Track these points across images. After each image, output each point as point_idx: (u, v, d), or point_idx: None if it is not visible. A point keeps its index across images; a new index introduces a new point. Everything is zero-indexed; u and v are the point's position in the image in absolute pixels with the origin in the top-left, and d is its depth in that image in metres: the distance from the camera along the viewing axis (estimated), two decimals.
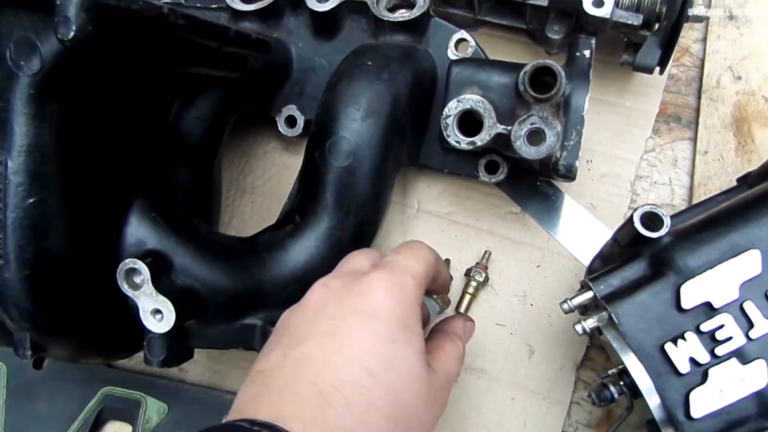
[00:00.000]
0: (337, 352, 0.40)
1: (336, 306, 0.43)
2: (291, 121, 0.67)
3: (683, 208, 0.63)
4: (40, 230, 0.44)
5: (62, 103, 0.42)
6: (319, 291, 0.45)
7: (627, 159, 0.65)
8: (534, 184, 0.66)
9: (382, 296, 0.42)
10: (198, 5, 0.68)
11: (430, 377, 0.43)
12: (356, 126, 0.54)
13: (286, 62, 0.66)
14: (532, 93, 0.51)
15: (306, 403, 0.38)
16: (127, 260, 0.48)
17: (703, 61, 0.68)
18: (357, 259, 0.49)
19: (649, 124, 0.66)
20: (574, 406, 0.59)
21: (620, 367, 0.49)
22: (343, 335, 0.41)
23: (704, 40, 0.68)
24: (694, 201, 0.63)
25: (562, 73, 0.51)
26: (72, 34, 0.36)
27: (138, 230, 0.51)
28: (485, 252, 0.63)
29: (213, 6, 0.68)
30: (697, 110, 0.67)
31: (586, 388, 0.60)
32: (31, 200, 0.43)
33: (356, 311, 0.42)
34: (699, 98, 0.67)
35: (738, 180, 0.60)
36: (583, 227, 0.64)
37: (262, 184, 0.71)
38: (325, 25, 0.65)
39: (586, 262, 0.62)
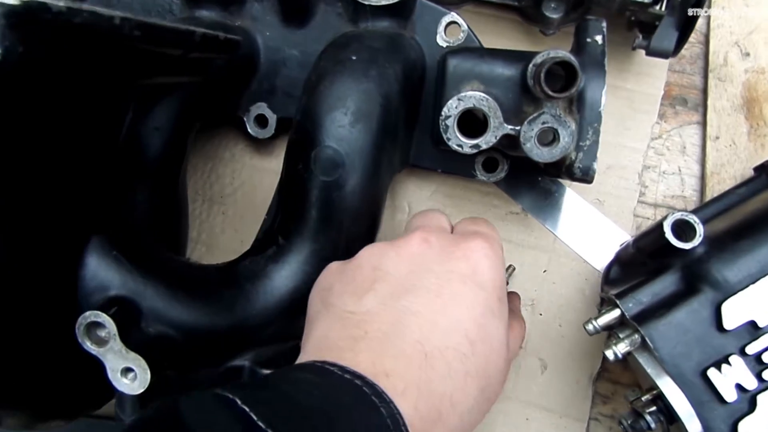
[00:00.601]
0: (443, 315, 0.39)
1: (441, 266, 0.41)
2: (261, 121, 0.60)
3: (695, 199, 0.59)
4: None
5: None
6: (419, 245, 0.43)
7: (633, 148, 0.60)
8: (534, 180, 0.60)
9: (484, 265, 0.42)
10: None
11: (506, 353, 0.42)
12: (344, 133, 0.47)
13: (253, 55, 0.58)
14: (546, 89, 0.45)
15: (411, 363, 0.36)
16: (87, 313, 0.40)
17: (707, 36, 0.63)
18: (439, 217, 0.48)
19: (654, 108, 0.61)
20: (592, 423, 0.55)
21: (654, 392, 0.45)
22: (448, 298, 0.40)
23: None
24: (707, 191, 0.58)
25: (578, 66, 0.44)
26: None
27: (98, 273, 0.43)
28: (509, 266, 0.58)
29: None
30: (704, 91, 0.62)
31: (604, 403, 0.55)
32: None
33: (462, 276, 0.41)
34: (706, 78, 0.62)
35: (755, 169, 0.56)
36: (590, 225, 0.59)
37: (233, 192, 0.63)
38: (295, 10, 0.57)
39: (596, 264, 0.58)
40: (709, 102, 0.61)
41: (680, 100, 0.62)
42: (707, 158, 0.59)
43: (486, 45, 0.56)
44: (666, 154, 0.60)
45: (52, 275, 0.41)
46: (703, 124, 0.61)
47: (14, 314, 0.38)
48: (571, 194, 0.59)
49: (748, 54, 0.62)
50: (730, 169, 0.58)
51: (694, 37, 0.63)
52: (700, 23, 0.63)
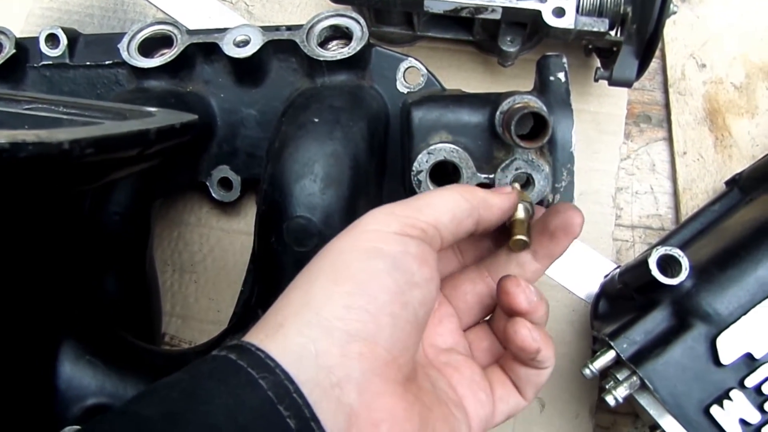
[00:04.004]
0: None
1: None
2: (225, 184, 0.58)
3: (670, 216, 0.59)
4: None
5: None
6: None
7: (604, 171, 0.60)
8: None
9: None
10: (88, 63, 0.57)
11: None
12: (316, 201, 0.46)
13: (209, 119, 0.56)
14: (516, 140, 0.44)
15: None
16: (67, 429, 0.38)
17: (663, 51, 0.63)
18: None
19: (619, 128, 0.61)
20: None
21: (658, 431, 0.44)
22: None
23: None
24: (682, 207, 0.58)
25: (548, 115, 0.44)
26: None
27: (72, 383, 0.41)
28: None
29: (107, 62, 0.56)
30: (666, 106, 0.62)
31: None
32: None
33: None
34: (666, 93, 0.62)
35: (727, 183, 0.56)
36: (571, 255, 0.58)
37: (203, 259, 0.61)
38: (248, 70, 0.55)
39: (582, 294, 0.57)
40: (673, 117, 0.61)
41: (644, 117, 0.62)
42: (677, 174, 0.59)
43: (445, 78, 0.55)
44: (636, 173, 0.60)
45: (24, 396, 0.38)
46: (670, 139, 0.61)
47: None
48: None
49: (704, 65, 0.62)
50: (701, 184, 0.58)
51: None
52: None
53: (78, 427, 0.38)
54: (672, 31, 0.63)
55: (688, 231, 0.53)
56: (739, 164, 0.58)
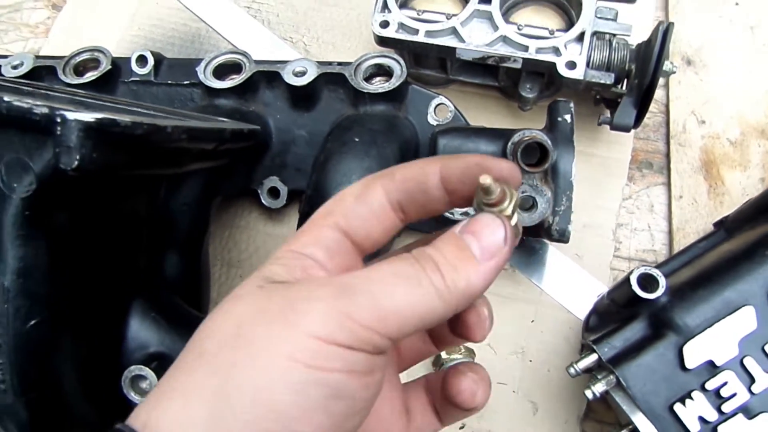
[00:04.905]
0: None
1: None
2: (274, 193, 0.67)
3: (664, 252, 0.66)
4: (42, 353, 0.42)
5: (57, 221, 0.41)
6: None
7: (607, 208, 0.67)
8: (520, 240, 0.67)
9: None
10: (169, 82, 0.67)
11: None
12: None
13: (265, 136, 0.65)
14: (522, 165, 0.52)
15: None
16: (132, 367, 0.47)
17: (667, 107, 0.71)
18: None
19: (624, 172, 0.69)
20: None
21: (630, 427, 0.50)
22: None
23: (667, 85, 0.71)
24: (675, 244, 0.65)
25: (551, 145, 0.52)
26: (76, 163, 0.35)
27: (139, 334, 0.49)
28: None
29: (185, 82, 0.67)
30: (667, 155, 0.69)
31: None
32: (33, 322, 0.42)
33: None
34: (668, 143, 0.69)
35: (715, 225, 0.63)
36: (571, 279, 0.65)
37: (248, 257, 0.70)
38: (302, 96, 0.65)
39: (578, 313, 0.64)
40: (672, 165, 0.68)
41: (646, 164, 0.70)
42: (673, 215, 0.66)
43: (471, 118, 0.63)
44: (636, 212, 0.68)
45: (103, 339, 0.47)
46: (668, 184, 0.68)
47: (74, 377, 0.44)
48: (554, 251, 0.66)
49: (703, 122, 0.69)
50: (693, 225, 0.65)
51: (656, 107, 0.71)
52: (660, 95, 0.72)
53: (141, 366, 0.47)
54: (677, 90, 0.71)
55: (677, 262, 0.59)
56: (729, 210, 0.64)
